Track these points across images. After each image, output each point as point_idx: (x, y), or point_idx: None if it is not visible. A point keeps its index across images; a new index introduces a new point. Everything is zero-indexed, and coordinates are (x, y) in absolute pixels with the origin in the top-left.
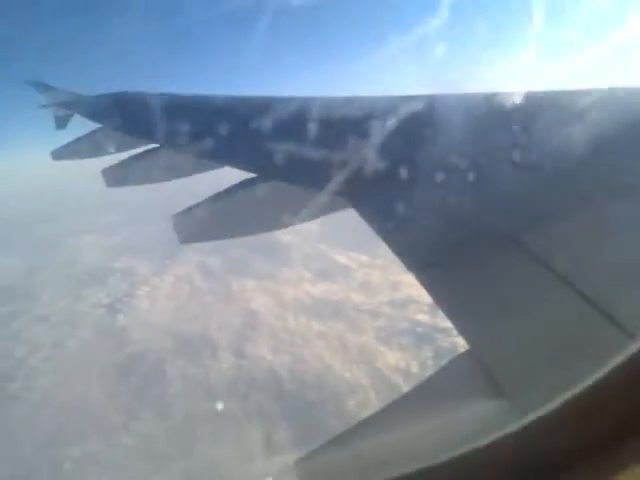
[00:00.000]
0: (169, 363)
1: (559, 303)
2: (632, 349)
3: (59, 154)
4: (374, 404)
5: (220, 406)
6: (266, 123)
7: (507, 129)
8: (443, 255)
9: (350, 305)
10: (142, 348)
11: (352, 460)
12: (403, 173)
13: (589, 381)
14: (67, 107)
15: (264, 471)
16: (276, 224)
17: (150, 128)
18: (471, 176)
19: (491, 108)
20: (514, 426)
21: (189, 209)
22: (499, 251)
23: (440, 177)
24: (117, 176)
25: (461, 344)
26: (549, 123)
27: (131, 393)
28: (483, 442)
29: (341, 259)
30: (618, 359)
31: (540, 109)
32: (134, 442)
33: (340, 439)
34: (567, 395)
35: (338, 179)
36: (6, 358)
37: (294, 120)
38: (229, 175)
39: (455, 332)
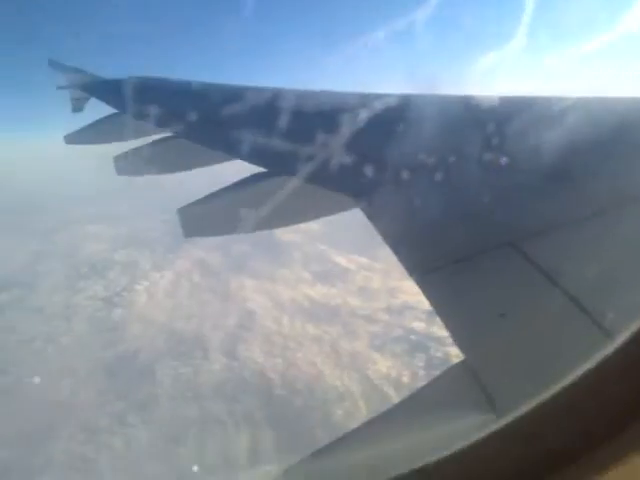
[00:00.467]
0: (160, 362)
1: (559, 316)
2: (609, 349)
3: (72, 138)
4: (362, 413)
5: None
6: (279, 118)
7: (511, 134)
8: (444, 261)
9: (347, 309)
10: (135, 345)
11: (341, 469)
12: (412, 176)
13: (567, 381)
14: (84, 89)
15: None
16: (282, 221)
17: (164, 116)
18: (477, 183)
19: (497, 112)
20: (497, 426)
21: (195, 203)
22: (500, 259)
23: (448, 182)
24: (128, 164)
25: (455, 354)
26: (550, 128)
27: (118, 393)
28: (467, 443)
29: (341, 261)
30: (596, 359)
31: (544, 114)
32: (117, 443)
33: (329, 448)
34: (545, 395)
35: (347, 178)
36: None
37: (307, 116)
38: (239, 168)
39: (449, 341)
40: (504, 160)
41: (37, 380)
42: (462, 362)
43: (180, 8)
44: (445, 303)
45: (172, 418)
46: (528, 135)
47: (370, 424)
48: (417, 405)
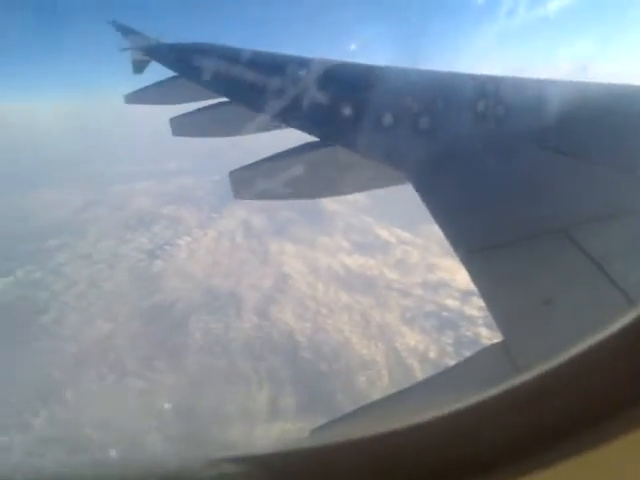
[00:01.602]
0: (194, 316)
1: (606, 307)
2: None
3: (132, 98)
4: (384, 383)
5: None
6: (334, 89)
7: (570, 120)
8: (493, 242)
9: (382, 281)
10: (171, 297)
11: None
12: (468, 156)
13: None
14: (146, 52)
15: (264, 435)
16: (331, 191)
17: (222, 82)
18: (534, 167)
19: (560, 97)
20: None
21: (247, 166)
22: (550, 245)
23: (504, 164)
24: (184, 126)
25: (484, 335)
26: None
27: (151, 340)
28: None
29: (383, 233)
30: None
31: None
32: (144, 387)
33: (355, 414)
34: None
35: (400, 153)
36: (44, 290)
37: (364, 89)
38: (292, 136)
39: (480, 322)
40: (563, 146)
41: (76, 320)
42: (500, 343)
43: None
44: (489, 283)
45: (199, 369)
46: (588, 123)
47: (398, 395)
48: (448, 381)
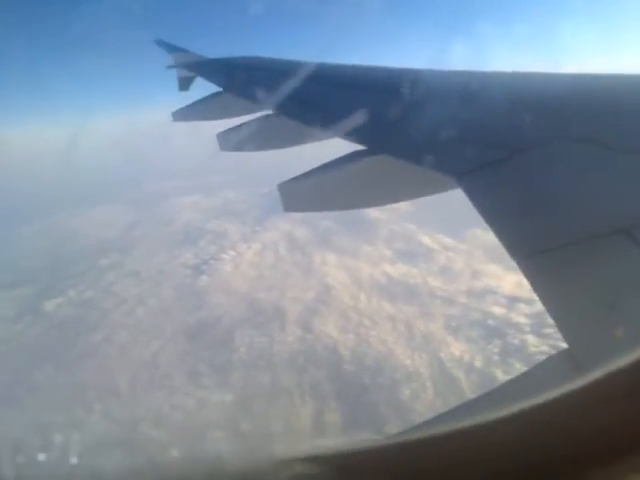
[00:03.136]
0: (239, 330)
1: None
2: None
3: (179, 115)
4: (429, 395)
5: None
6: (379, 96)
7: (624, 115)
8: (551, 245)
9: (426, 289)
10: (217, 313)
11: None
12: (519, 156)
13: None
14: (191, 69)
15: (307, 451)
16: (381, 200)
17: (266, 94)
18: (591, 163)
19: (614, 90)
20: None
21: (296, 179)
22: (612, 246)
23: (560, 162)
24: (230, 141)
25: (531, 342)
26: None
27: (198, 357)
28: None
29: (426, 240)
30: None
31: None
32: (192, 405)
33: (420, 426)
34: None
35: (449, 157)
36: (95, 309)
37: (408, 93)
38: (338, 145)
39: (527, 329)
40: (620, 142)
41: (124, 338)
42: (565, 351)
43: None
44: (549, 288)
45: (244, 384)
46: (633, 116)
47: (462, 408)
48: (513, 392)
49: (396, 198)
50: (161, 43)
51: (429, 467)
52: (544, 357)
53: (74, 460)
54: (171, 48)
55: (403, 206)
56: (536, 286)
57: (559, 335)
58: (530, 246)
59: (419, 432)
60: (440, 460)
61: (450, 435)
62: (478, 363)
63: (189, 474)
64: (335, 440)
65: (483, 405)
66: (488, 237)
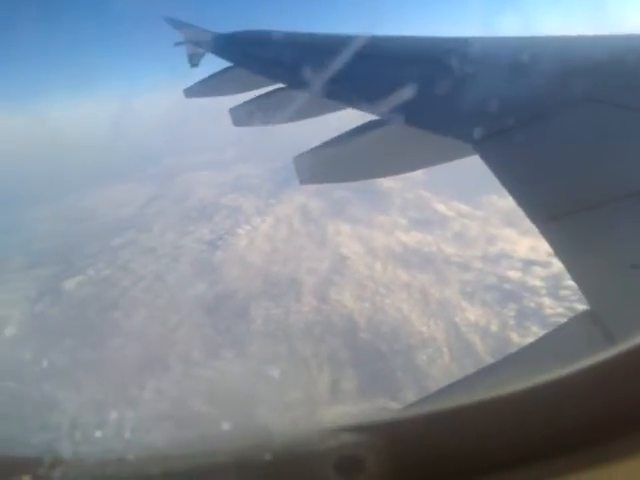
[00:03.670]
0: (255, 303)
1: None
2: None
3: (191, 92)
4: (445, 361)
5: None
6: (393, 64)
7: None
8: (571, 208)
9: (441, 256)
10: (233, 286)
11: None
12: (538, 121)
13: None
14: (200, 45)
15: (325, 419)
16: (397, 169)
17: (276, 68)
18: (610, 127)
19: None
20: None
21: (311, 151)
22: (633, 208)
23: (576, 126)
24: (244, 115)
25: (547, 304)
26: None
27: (215, 329)
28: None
29: (441, 208)
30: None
31: None
32: (210, 376)
33: (444, 390)
34: None
35: (465, 123)
36: (113, 287)
37: (424, 61)
38: (349, 117)
39: (543, 292)
40: (634, 103)
41: (143, 314)
42: (587, 312)
43: None
44: (571, 251)
45: (262, 355)
46: None
47: (485, 371)
48: (536, 355)
49: (412, 166)
50: (170, 20)
51: (479, 430)
52: (561, 320)
53: (127, 435)
54: (180, 25)
55: (417, 174)
56: (557, 249)
57: (575, 297)
58: (550, 210)
59: (455, 399)
60: (489, 422)
61: (493, 400)
62: (494, 327)
63: (241, 445)
64: (354, 407)
65: (507, 369)
66: (505, 203)
